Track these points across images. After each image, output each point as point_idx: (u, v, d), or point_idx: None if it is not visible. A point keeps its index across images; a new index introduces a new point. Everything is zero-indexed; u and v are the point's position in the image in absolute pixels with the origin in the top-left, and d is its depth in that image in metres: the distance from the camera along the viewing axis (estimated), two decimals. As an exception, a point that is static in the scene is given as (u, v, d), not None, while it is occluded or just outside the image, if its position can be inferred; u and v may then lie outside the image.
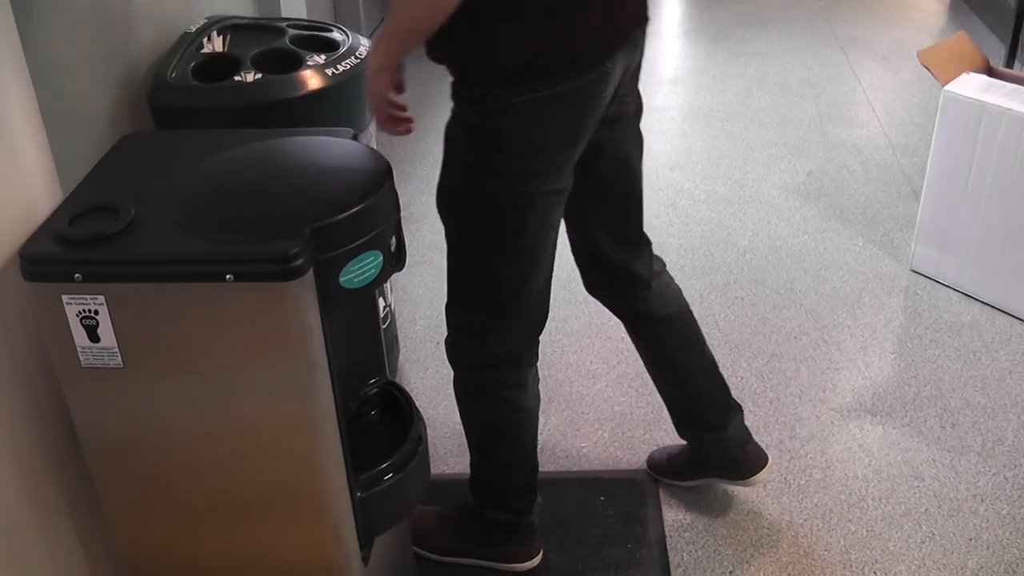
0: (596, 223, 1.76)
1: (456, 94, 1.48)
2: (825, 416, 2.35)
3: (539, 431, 2.34)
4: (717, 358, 2.59)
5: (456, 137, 1.51)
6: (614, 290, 1.91)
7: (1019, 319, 2.67)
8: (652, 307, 1.91)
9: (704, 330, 2.31)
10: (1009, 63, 3.56)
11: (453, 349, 1.71)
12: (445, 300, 1.67)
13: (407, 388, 1.51)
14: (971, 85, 2.62)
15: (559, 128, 1.46)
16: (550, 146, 1.47)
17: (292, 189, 1.16)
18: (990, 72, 2.73)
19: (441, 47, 1.43)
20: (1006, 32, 3.83)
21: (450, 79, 1.48)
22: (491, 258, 1.56)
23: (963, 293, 2.77)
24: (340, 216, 1.12)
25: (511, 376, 1.73)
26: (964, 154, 2.62)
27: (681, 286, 2.83)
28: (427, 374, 2.57)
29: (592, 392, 2.50)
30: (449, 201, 1.55)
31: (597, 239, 1.79)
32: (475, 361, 1.71)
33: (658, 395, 2.49)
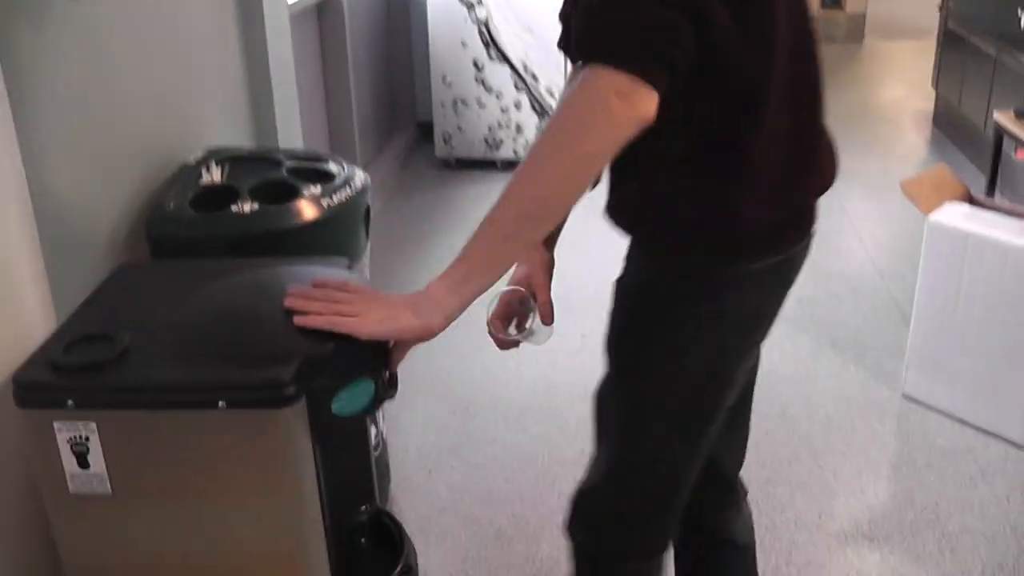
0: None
1: (663, 264, 1.30)
2: (822, 542, 2.32)
3: (533, 559, 2.32)
4: (711, 485, 2.56)
5: (656, 310, 1.33)
6: (705, 501, 1.63)
7: (1013, 444, 2.66)
8: (736, 531, 1.71)
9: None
10: (989, 192, 3.63)
11: (599, 539, 1.51)
12: (586, 482, 1.51)
13: (398, 517, 1.49)
14: (954, 214, 2.67)
15: (774, 298, 1.35)
16: (766, 318, 1.36)
17: (285, 317, 1.17)
18: (971, 201, 2.78)
19: (652, 213, 1.27)
20: (985, 163, 3.92)
21: (626, 242, 1.36)
22: (673, 440, 1.40)
23: (956, 418, 2.77)
24: (333, 344, 1.13)
25: (658, 568, 1.54)
26: (951, 281, 2.65)
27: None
28: (418, 503, 2.54)
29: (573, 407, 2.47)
30: (636, 378, 1.39)
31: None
32: (629, 552, 1.50)
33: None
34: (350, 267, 1.39)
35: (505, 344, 1.42)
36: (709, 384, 1.35)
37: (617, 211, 1.29)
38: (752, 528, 1.72)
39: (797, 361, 3.11)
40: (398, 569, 1.39)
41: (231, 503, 1.16)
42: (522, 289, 1.42)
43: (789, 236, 1.30)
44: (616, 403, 1.45)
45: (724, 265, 1.27)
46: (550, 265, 1.44)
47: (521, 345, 1.45)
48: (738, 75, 1.16)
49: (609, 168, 1.28)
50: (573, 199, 1.12)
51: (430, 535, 2.42)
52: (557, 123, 1.11)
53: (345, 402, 1.16)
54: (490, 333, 1.41)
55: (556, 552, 2.36)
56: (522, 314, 1.43)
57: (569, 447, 2.76)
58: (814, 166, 1.32)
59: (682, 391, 1.36)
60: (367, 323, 1.12)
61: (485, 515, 2.50)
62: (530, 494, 2.57)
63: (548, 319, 1.43)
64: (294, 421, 1.12)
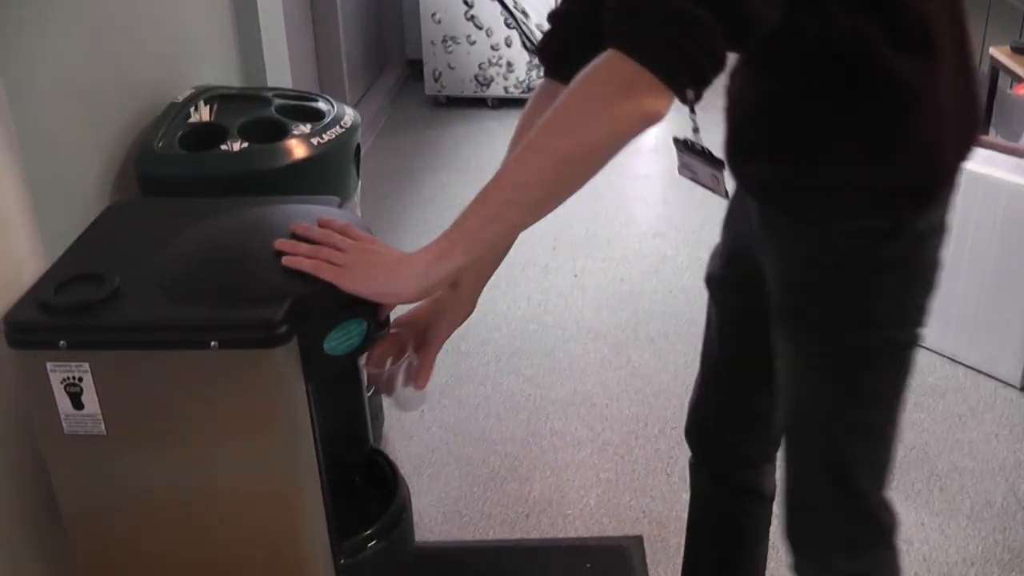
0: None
1: (838, 233, 1.21)
2: (811, 482, 2.35)
3: (525, 499, 2.34)
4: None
5: (840, 287, 1.24)
6: (752, 452, 1.63)
7: (1003, 382, 2.68)
8: (767, 483, 1.68)
9: (689, 397, 2.31)
10: (984, 131, 3.62)
11: (850, 544, 1.38)
12: (805, 481, 1.40)
13: (392, 456, 1.50)
14: (948, 152, 2.65)
15: (941, 249, 1.26)
16: (939, 273, 1.28)
17: (277, 257, 1.17)
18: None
19: (817, 174, 1.18)
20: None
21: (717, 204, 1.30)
22: (883, 419, 1.31)
23: (947, 356, 2.79)
24: (323, 284, 1.13)
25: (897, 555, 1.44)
26: (943, 220, 2.65)
27: (666, 353, 2.83)
28: (411, 442, 2.56)
29: (577, 459, 2.50)
30: (838, 364, 1.28)
31: (767, 387, 1.47)
32: (878, 549, 1.39)
33: (643, 462, 2.48)
34: (341, 205, 1.38)
35: (376, 381, 1.32)
36: (906, 353, 1.29)
37: (791, 192, 1.20)
38: (775, 484, 1.70)
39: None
40: (392, 508, 1.41)
41: (225, 443, 1.17)
42: (405, 336, 1.32)
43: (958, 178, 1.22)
44: (834, 401, 1.31)
45: (923, 218, 1.19)
46: (461, 311, 1.34)
47: (477, 314, 1.38)
48: (907, 12, 1.10)
49: (762, 148, 1.22)
50: (564, 192, 1.06)
51: (423, 475, 2.44)
52: (560, 107, 1.05)
53: (337, 342, 1.16)
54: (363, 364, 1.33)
55: (548, 492, 2.38)
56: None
57: (560, 387, 2.78)
58: (978, 104, 1.25)
59: (882, 366, 1.28)
60: (349, 279, 1.13)
61: (478, 455, 2.52)
62: (522, 434, 2.60)
63: (421, 382, 1.31)
64: (286, 361, 1.12)
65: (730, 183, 1.32)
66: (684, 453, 2.45)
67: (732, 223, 1.48)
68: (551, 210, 1.10)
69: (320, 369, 1.17)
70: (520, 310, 3.11)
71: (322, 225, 1.22)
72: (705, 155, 1.31)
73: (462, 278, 1.31)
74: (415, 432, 2.59)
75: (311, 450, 1.20)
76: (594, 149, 1.04)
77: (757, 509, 1.72)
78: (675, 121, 1.21)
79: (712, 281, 1.53)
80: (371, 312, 1.18)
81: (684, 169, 1.38)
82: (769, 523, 1.73)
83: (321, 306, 1.13)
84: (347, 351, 1.18)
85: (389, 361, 1.30)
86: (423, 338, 1.33)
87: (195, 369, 1.12)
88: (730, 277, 1.49)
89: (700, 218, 3.70)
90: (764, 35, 1.04)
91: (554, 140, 1.05)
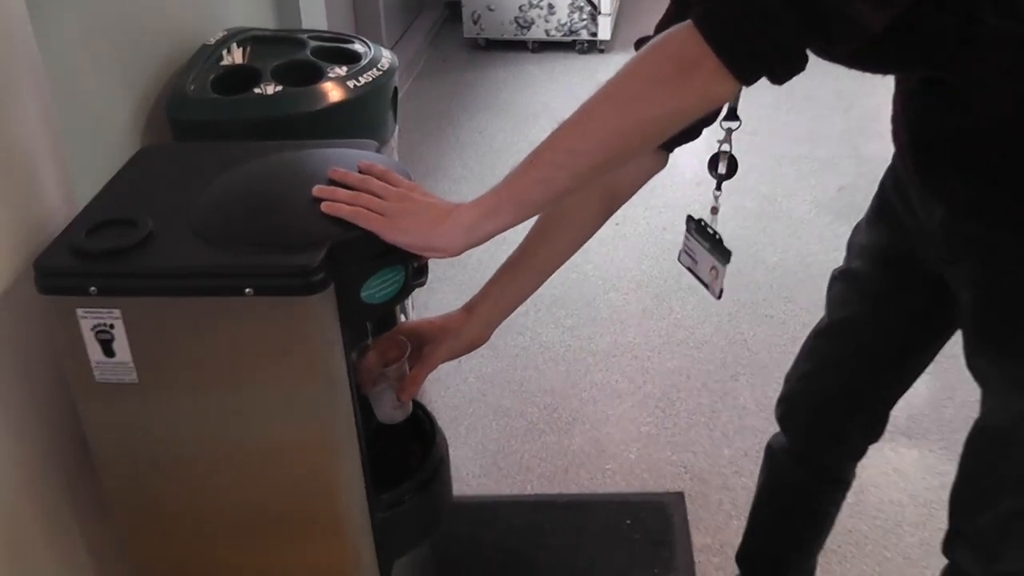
0: (915, 359, 1.52)
1: None
2: (859, 438, 2.33)
3: (564, 452, 2.34)
4: (747, 378, 2.57)
5: None
6: (849, 440, 1.62)
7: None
8: (850, 469, 1.69)
9: (733, 350, 2.29)
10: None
11: None
12: (995, 493, 1.32)
13: (428, 407, 1.50)
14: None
15: None
16: None
17: (313, 203, 1.16)
18: None
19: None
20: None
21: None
22: None
23: None
24: (361, 231, 1.11)
25: None
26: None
27: (709, 304, 2.82)
28: (448, 393, 2.56)
29: (618, 412, 2.49)
30: None
31: (896, 374, 1.53)
32: None
33: (685, 416, 2.48)
34: (378, 150, 1.37)
35: (363, 378, 1.32)
36: None
37: (997, 207, 1.15)
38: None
39: (837, 250, 3.06)
40: (429, 460, 1.40)
41: (260, 392, 1.16)
42: (407, 344, 1.32)
43: None
44: None
45: None
46: (467, 339, 1.35)
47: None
48: None
49: (964, 165, 1.16)
50: (616, 162, 1.07)
51: (460, 426, 2.44)
52: (625, 75, 1.04)
53: (375, 290, 1.15)
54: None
55: (587, 445, 2.38)
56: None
57: (601, 338, 2.76)
58: None
59: None
60: (390, 229, 1.11)
61: (516, 406, 2.52)
62: (561, 385, 2.59)
63: (404, 395, 1.33)
64: (322, 308, 1.11)
65: (727, 281, 1.34)
66: (727, 407, 2.47)
67: (891, 219, 1.41)
68: (600, 178, 1.11)
69: (357, 317, 1.16)
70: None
71: (361, 170, 1.21)
72: (714, 241, 1.37)
73: (478, 304, 1.35)
74: (452, 383, 2.59)
75: (348, 400, 1.20)
76: (651, 123, 1.04)
77: (841, 497, 1.72)
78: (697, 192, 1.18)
79: (856, 277, 1.50)
80: (409, 260, 1.17)
81: (684, 255, 1.45)
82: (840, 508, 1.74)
83: (359, 253, 1.12)
84: (384, 299, 1.16)
85: (381, 363, 1.33)
86: (420, 353, 1.34)
87: (229, 316, 1.11)
88: (883, 277, 1.45)
89: (745, 166, 3.64)
90: (866, 42, 1.00)
91: (613, 110, 1.04)
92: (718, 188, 1.40)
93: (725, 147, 1.40)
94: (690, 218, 1.40)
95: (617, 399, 2.53)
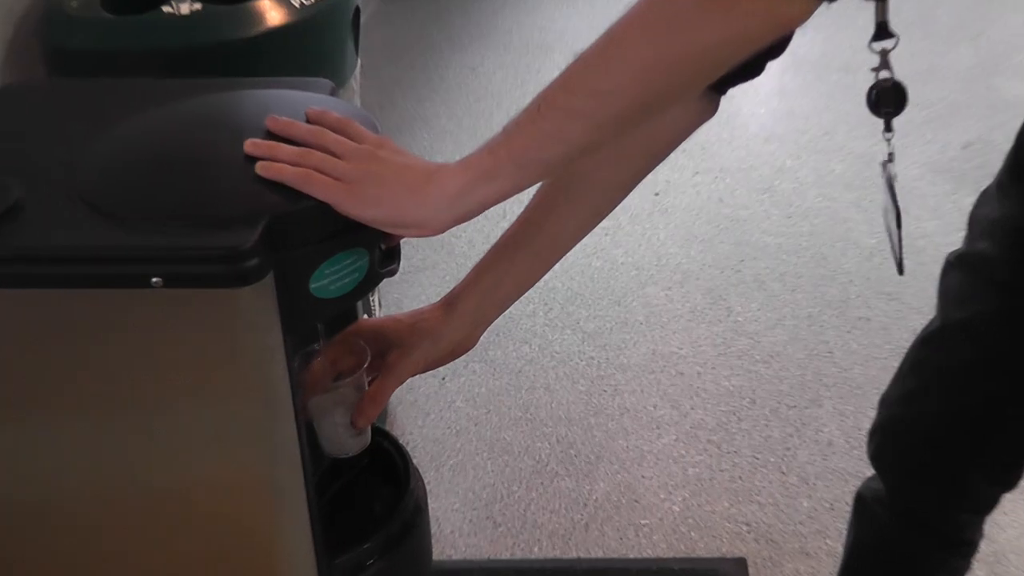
0: None
1: None
2: (984, 484, 2.34)
3: (584, 501, 2.35)
4: (833, 402, 2.58)
5: None
6: (974, 487, 1.63)
7: None
8: (980, 532, 1.71)
9: (814, 365, 2.29)
10: None
11: None
12: None
13: (401, 439, 1.50)
14: None
15: None
16: None
17: (247, 163, 1.16)
18: None
19: None
20: None
21: None
22: None
23: None
24: (312, 201, 1.12)
25: None
26: None
27: (782, 303, 2.82)
28: (428, 421, 2.57)
29: (657, 448, 2.50)
30: None
31: None
32: None
33: (748, 454, 2.49)
34: (335, 92, 1.37)
35: (307, 393, 1.33)
36: None
37: None
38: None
39: (960, 230, 3.07)
40: (401, 512, 1.41)
41: (170, 418, 1.16)
42: (366, 349, 1.34)
43: None
44: None
45: None
46: (447, 344, 1.37)
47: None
48: None
49: None
50: (654, 107, 1.08)
51: (444, 466, 2.45)
52: None
53: (328, 280, 1.15)
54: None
55: (615, 492, 2.38)
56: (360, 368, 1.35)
57: (634, 347, 2.77)
58: None
59: None
60: (351, 198, 1.12)
61: (519, 440, 2.53)
62: (580, 412, 2.60)
63: (361, 419, 1.33)
64: (258, 305, 1.11)
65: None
66: (805, 443, 2.48)
67: None
68: (631, 130, 1.11)
69: (305, 316, 1.16)
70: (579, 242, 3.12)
71: (310, 120, 1.20)
72: (890, 196, 1.36)
73: (462, 296, 1.36)
74: (433, 407, 2.60)
75: (291, 428, 1.20)
76: (699, 55, 1.03)
77: (963, 566, 1.69)
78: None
79: (981, 263, 1.50)
80: (375, 241, 1.17)
81: (886, 213, 1.43)
82: None
83: (307, 231, 1.12)
84: (342, 293, 1.16)
85: (331, 374, 1.33)
86: (385, 360, 1.34)
87: (129, 315, 1.11)
88: (1019, 262, 1.45)
89: (832, 116, 3.66)
90: None
91: (648, 37, 1.04)
92: (888, 129, 1.37)
93: (885, 74, 1.38)
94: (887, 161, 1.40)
95: (656, 430, 2.54)
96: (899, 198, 1.36)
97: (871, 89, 1.40)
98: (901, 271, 1.41)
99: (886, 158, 1.41)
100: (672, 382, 2.68)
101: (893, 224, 1.40)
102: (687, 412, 2.59)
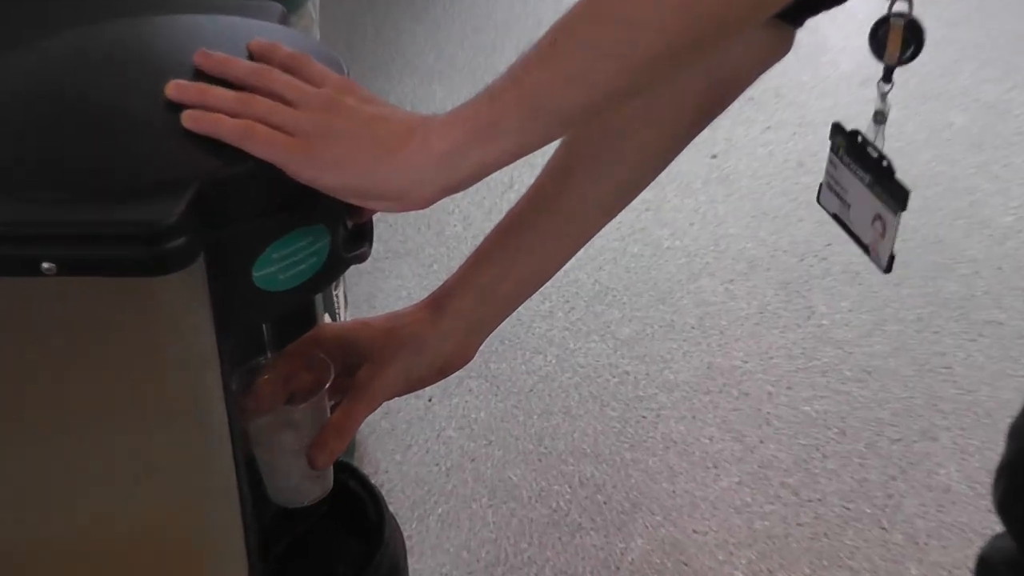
0: None
1: None
2: None
3: (615, 564, 2.35)
4: (951, 435, 2.58)
5: None
6: None
7: None
8: None
9: (924, 383, 2.30)
10: None
11: None
12: None
13: (374, 479, 1.51)
14: None
15: None
16: None
17: (169, 112, 1.17)
18: None
19: None
20: None
21: None
22: None
23: None
24: (256, 162, 1.13)
25: None
26: None
27: (885, 299, 2.82)
28: (411, 456, 2.58)
29: (713, 494, 2.50)
30: None
31: None
32: None
33: (836, 502, 2.49)
34: (286, 20, 1.38)
35: (248, 423, 1.33)
36: None
37: None
38: None
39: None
40: (372, 570, 1.42)
41: (68, 442, 1.17)
42: (328, 364, 1.33)
43: None
44: None
45: None
46: (434, 354, 1.39)
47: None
48: None
49: None
50: (706, 42, 1.10)
51: (431, 515, 2.46)
52: None
53: (277, 268, 1.16)
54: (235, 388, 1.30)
55: (657, 551, 2.40)
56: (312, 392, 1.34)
57: (684, 360, 2.78)
58: None
59: None
60: (308, 159, 1.12)
61: (530, 480, 2.54)
62: (611, 444, 2.62)
63: (322, 456, 1.33)
64: (182, 300, 1.12)
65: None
66: (914, 488, 2.48)
67: None
68: (675, 74, 1.14)
69: (246, 316, 1.17)
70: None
71: (254, 56, 1.21)
72: (880, 172, 1.39)
73: (454, 295, 1.37)
74: (417, 438, 2.61)
75: (227, 467, 1.21)
76: None
77: None
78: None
79: None
80: (338, 217, 1.18)
81: (827, 193, 1.48)
82: None
83: (249, 203, 1.13)
84: (295, 284, 1.18)
85: (282, 395, 1.33)
86: (353, 378, 1.35)
87: (13, 311, 1.12)
88: None
89: (954, 50, 3.65)
90: None
91: None
92: (887, 79, 1.39)
93: (901, 5, 1.39)
94: (838, 129, 1.40)
95: (712, 470, 2.55)
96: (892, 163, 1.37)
97: (877, 24, 1.40)
98: (889, 269, 1.42)
99: (874, 116, 1.43)
100: (734, 406, 2.69)
101: (880, 211, 1.39)
102: (754, 446, 2.60)
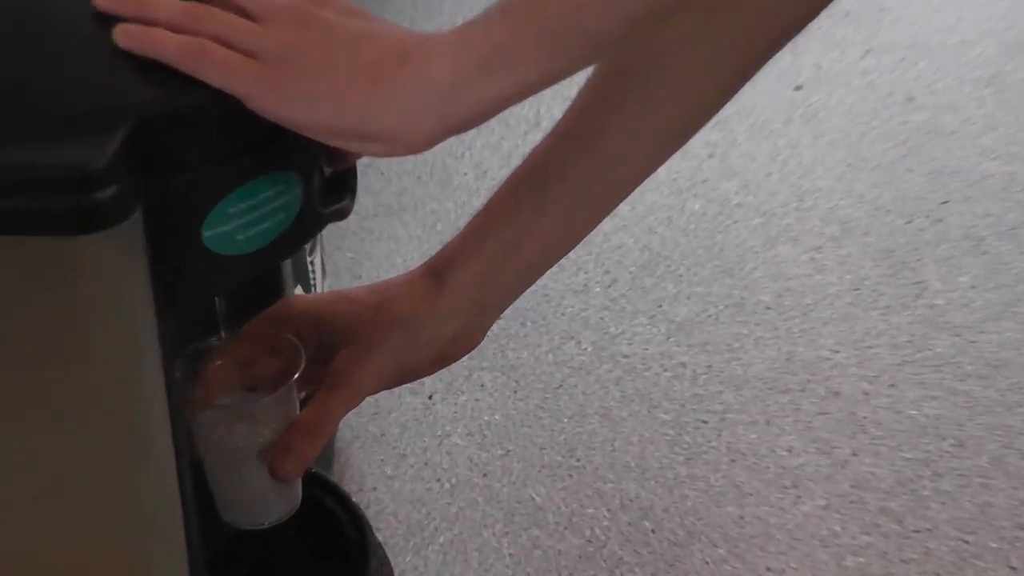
0: None
1: None
2: None
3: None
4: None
5: None
6: None
7: None
8: None
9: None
10: None
11: None
12: None
13: (358, 498, 1.53)
14: None
15: None
16: None
17: (100, 29, 1.18)
18: None
19: None
20: None
21: None
22: None
23: None
24: (209, 91, 1.14)
25: None
26: None
27: (1019, 273, 2.85)
28: (405, 469, 2.59)
29: (793, 520, 2.51)
30: None
31: None
32: None
33: (951, 532, 2.51)
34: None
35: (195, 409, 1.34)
36: None
37: None
38: None
39: None
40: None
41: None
42: (298, 348, 1.34)
43: None
44: None
45: None
46: (434, 347, 1.41)
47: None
48: None
49: None
50: None
51: (430, 543, 2.48)
52: None
53: (234, 225, 1.17)
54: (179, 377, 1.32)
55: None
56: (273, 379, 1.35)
57: (756, 347, 2.79)
58: None
59: None
60: (275, 89, 1.12)
61: (557, 502, 2.55)
62: (661, 456, 2.63)
63: (289, 466, 1.34)
64: (114, 264, 1.13)
65: None
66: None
67: None
68: None
69: (194, 284, 1.19)
70: (659, 177, 3.12)
71: None
72: None
73: (458, 263, 1.37)
74: (413, 447, 2.62)
75: (168, 473, 1.23)
76: None
77: None
78: None
79: None
80: (312, 162, 1.19)
81: None
82: None
83: (199, 144, 1.15)
84: (256, 247, 1.19)
85: (236, 385, 1.35)
86: (330, 365, 1.36)
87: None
88: None
89: None
90: None
91: None
92: None
93: None
94: None
95: (791, 490, 2.56)
96: None
97: None
98: None
99: None
100: (820, 408, 2.69)
101: None
102: (846, 460, 2.61)
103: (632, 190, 1.39)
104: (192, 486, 1.25)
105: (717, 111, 1.38)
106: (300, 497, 1.38)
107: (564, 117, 1.37)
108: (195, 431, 1.31)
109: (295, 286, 1.55)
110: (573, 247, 1.41)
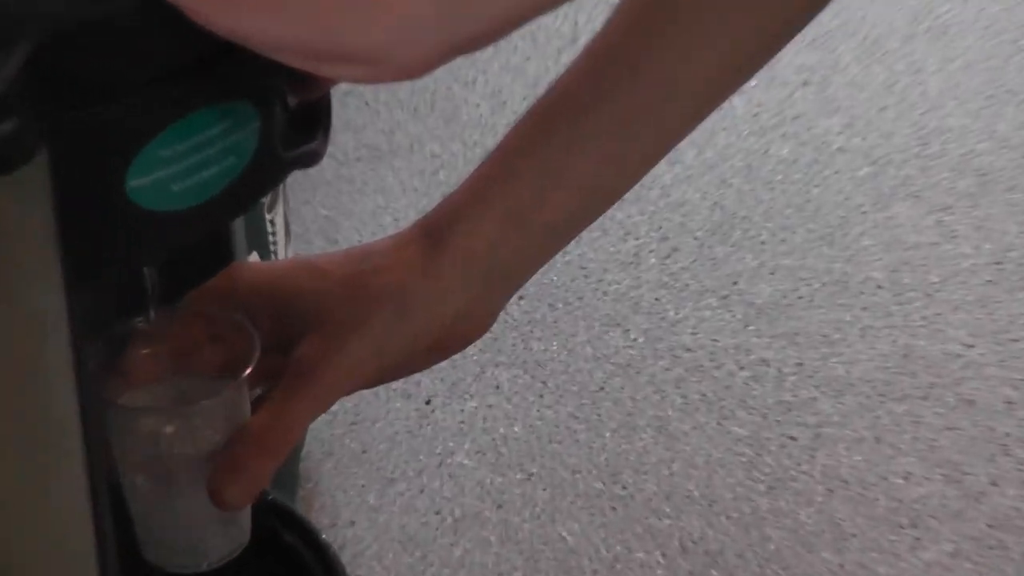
0: None
1: None
2: None
3: None
4: None
5: None
6: None
7: None
8: None
9: None
10: None
11: None
12: None
13: (330, 534, 1.55)
14: None
15: None
16: None
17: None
18: None
19: None
20: None
21: None
22: None
23: None
24: (132, 4, 1.15)
25: None
26: None
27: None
28: (392, 496, 2.61)
29: (912, 569, 2.53)
30: None
31: None
32: None
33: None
34: None
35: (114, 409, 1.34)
36: None
37: None
38: None
39: None
40: None
41: None
42: (251, 333, 1.36)
43: None
44: None
45: None
46: (431, 333, 1.41)
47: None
48: None
49: None
50: None
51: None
52: None
53: (170, 171, 1.19)
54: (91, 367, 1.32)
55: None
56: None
57: (863, 340, 2.81)
58: None
59: None
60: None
61: (592, 541, 2.57)
62: (731, 482, 2.64)
63: (234, 487, 1.35)
64: (11, 221, 1.16)
65: None
66: None
67: None
68: None
69: (114, 247, 1.21)
70: (736, 112, 3.14)
71: None
72: None
73: (461, 222, 1.38)
74: (403, 467, 2.64)
75: (78, 494, 1.25)
76: None
77: None
78: None
79: None
80: (271, 91, 1.21)
81: None
82: None
83: (121, 67, 1.17)
84: (198, 200, 1.21)
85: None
86: (294, 354, 1.37)
87: None
88: None
89: None
90: None
91: None
92: None
93: None
94: None
95: (908, 529, 2.58)
96: None
97: None
98: None
99: None
100: (947, 422, 2.71)
101: None
102: (981, 491, 2.63)
103: (691, 129, 1.39)
104: (110, 514, 1.27)
105: (806, 23, 1.39)
106: (249, 532, 1.39)
107: (596, 36, 1.37)
108: (113, 441, 1.31)
109: (249, 252, 1.57)
110: (613, 203, 1.41)
